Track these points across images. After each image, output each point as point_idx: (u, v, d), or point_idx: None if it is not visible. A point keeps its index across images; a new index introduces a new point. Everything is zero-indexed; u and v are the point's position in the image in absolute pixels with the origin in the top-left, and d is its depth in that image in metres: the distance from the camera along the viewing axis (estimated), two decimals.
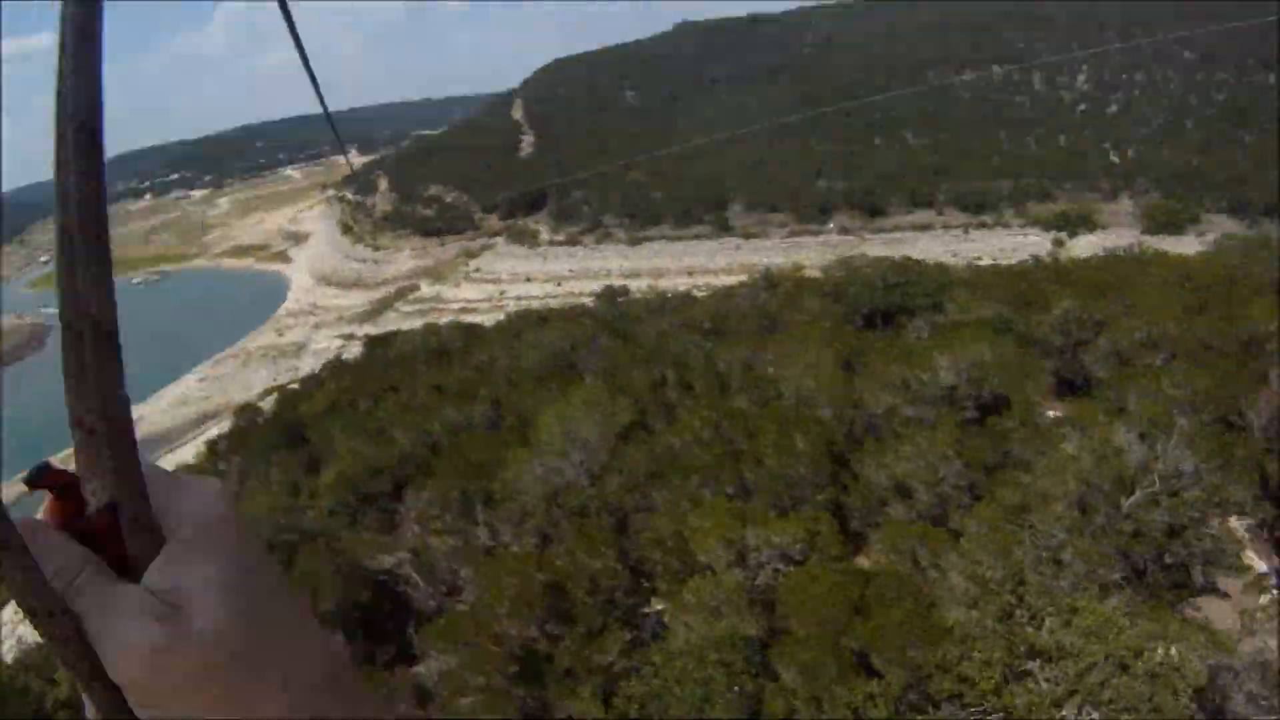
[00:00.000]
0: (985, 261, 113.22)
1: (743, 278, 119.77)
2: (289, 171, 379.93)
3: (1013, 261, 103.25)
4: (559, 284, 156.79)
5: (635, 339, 63.03)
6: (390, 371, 75.41)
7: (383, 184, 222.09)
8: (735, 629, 24.49)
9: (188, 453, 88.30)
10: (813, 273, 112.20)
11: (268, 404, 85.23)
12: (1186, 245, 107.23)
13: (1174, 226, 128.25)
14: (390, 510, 39.56)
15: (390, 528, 38.52)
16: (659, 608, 29.51)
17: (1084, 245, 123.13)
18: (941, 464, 33.11)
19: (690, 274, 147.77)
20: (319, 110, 5.01)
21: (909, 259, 74.19)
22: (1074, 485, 29.64)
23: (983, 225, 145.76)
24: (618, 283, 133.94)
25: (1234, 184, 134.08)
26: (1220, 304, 50.59)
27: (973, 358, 39.63)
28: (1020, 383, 41.02)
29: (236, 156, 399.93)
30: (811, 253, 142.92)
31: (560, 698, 24.09)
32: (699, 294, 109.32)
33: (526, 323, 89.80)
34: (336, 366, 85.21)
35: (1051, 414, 41.86)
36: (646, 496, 33.41)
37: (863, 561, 33.12)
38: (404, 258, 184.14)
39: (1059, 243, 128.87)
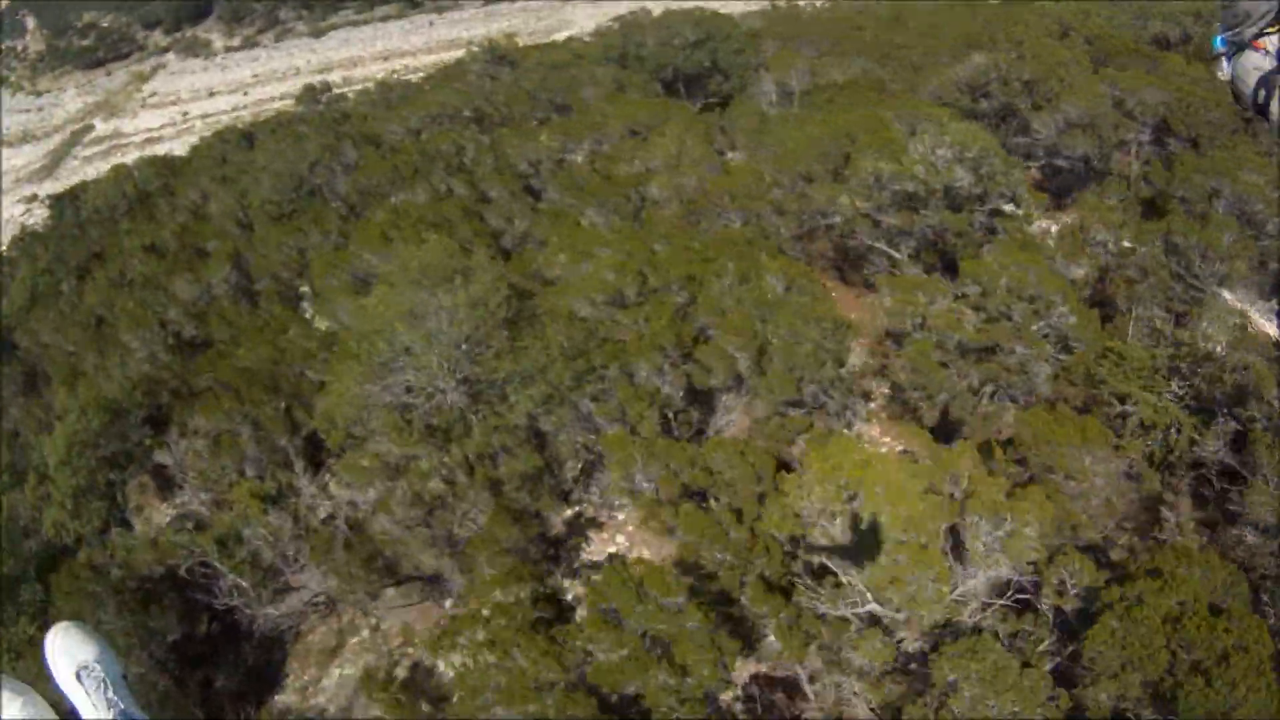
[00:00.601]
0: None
1: (444, 55, 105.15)
2: None
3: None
4: (245, 93, 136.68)
5: (387, 145, 47.75)
6: (88, 234, 58.23)
7: (30, 22, 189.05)
8: None
9: None
10: (527, 41, 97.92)
11: None
12: None
13: None
14: (160, 466, 25.37)
15: (165, 491, 24.89)
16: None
17: None
18: (1033, 303, 20.14)
19: (386, 59, 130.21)
20: None
21: (700, 9, 58.76)
22: None
23: None
24: (314, 80, 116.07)
25: None
26: (1129, 61, 35.61)
27: (966, 141, 25.39)
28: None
29: None
30: (515, 20, 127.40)
31: None
32: (410, 79, 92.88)
33: (229, 145, 72.57)
34: (26, 241, 66.10)
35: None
36: (576, 408, 18.99)
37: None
38: (70, 97, 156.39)
39: None
